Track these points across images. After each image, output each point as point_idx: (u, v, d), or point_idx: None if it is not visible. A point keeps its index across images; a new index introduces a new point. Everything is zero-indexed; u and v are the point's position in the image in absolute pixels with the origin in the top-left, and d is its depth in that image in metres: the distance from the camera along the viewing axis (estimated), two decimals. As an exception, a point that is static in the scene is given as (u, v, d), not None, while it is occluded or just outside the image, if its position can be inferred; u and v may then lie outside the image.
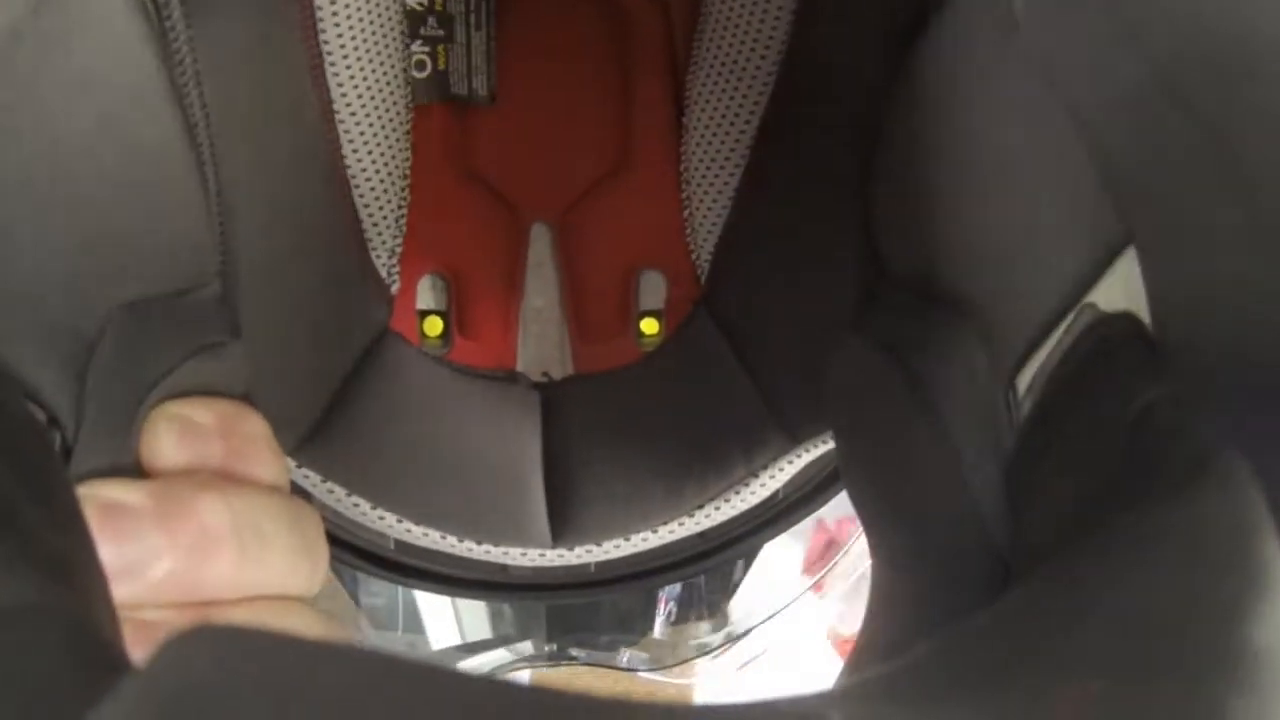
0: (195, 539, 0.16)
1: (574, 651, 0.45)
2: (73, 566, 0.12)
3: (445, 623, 0.46)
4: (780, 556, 0.48)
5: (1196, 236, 0.15)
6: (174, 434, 0.18)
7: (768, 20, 0.31)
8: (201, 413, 0.18)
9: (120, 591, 0.15)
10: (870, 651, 0.23)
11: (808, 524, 0.38)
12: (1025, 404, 0.20)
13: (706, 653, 0.47)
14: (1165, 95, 0.15)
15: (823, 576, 0.47)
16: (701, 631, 0.47)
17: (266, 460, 0.19)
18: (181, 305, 0.19)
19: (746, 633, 0.47)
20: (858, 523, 0.27)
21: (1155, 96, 0.15)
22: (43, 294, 0.17)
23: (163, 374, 0.18)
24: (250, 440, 0.19)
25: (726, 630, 0.47)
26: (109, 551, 0.15)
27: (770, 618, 0.47)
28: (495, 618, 0.45)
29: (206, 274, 0.21)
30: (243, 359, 0.21)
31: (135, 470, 0.18)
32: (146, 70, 0.18)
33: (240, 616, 0.17)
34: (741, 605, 0.48)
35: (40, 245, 0.16)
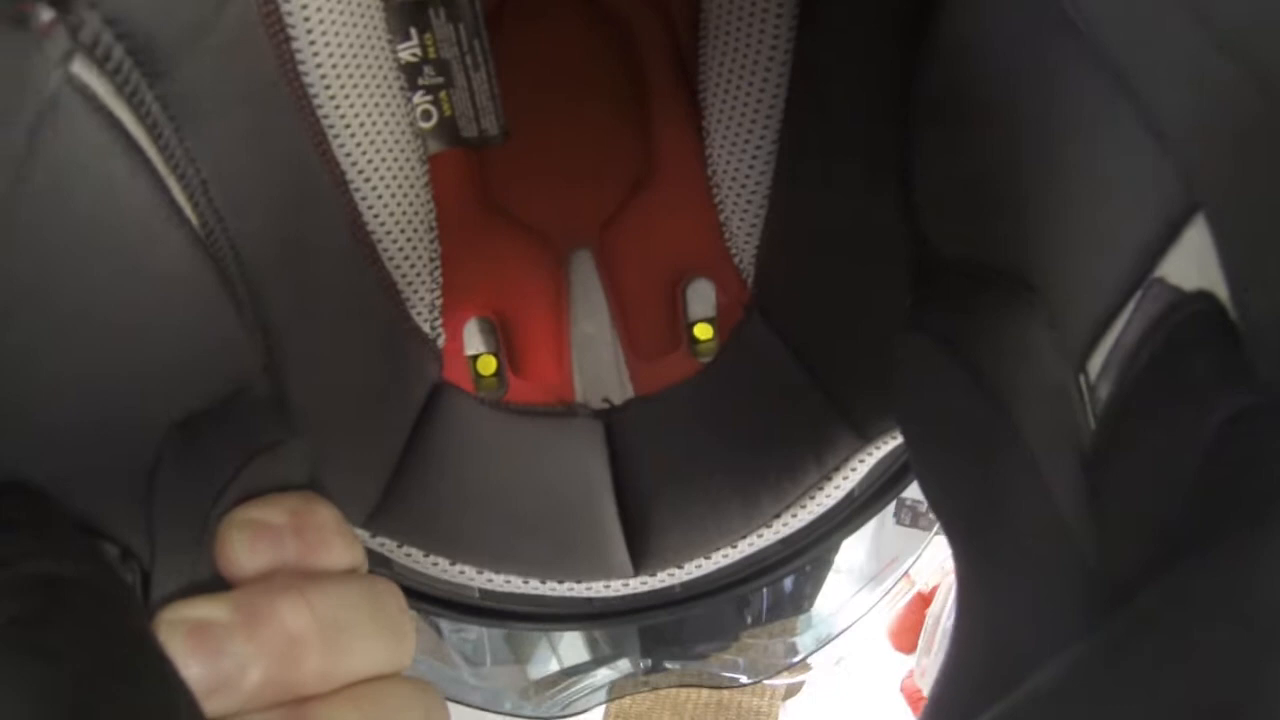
0: (282, 644, 0.17)
1: (669, 664, 0.45)
2: None
3: (541, 650, 0.46)
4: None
5: (1270, 206, 0.14)
6: (246, 541, 0.18)
7: (771, 6, 0.29)
8: (271, 512, 0.19)
9: (219, 705, 0.16)
10: (959, 668, 0.22)
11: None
12: (1100, 389, 0.19)
13: (796, 658, 0.46)
14: (1226, 58, 0.14)
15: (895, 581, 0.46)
16: (790, 630, 0.47)
17: (339, 548, 0.19)
18: (232, 413, 0.19)
19: (832, 638, 0.46)
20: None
21: (1215, 61, 0.14)
22: (93, 438, 0.17)
23: (225, 484, 0.18)
24: (321, 530, 0.19)
25: (812, 632, 0.46)
26: (203, 669, 0.16)
27: (847, 628, 0.46)
28: (590, 639, 0.45)
29: (252, 373, 0.21)
30: (303, 450, 0.21)
31: (215, 582, 0.18)
32: (144, 200, 0.17)
33: (340, 706, 0.18)
34: (828, 600, 0.47)
35: (82, 391, 0.17)
